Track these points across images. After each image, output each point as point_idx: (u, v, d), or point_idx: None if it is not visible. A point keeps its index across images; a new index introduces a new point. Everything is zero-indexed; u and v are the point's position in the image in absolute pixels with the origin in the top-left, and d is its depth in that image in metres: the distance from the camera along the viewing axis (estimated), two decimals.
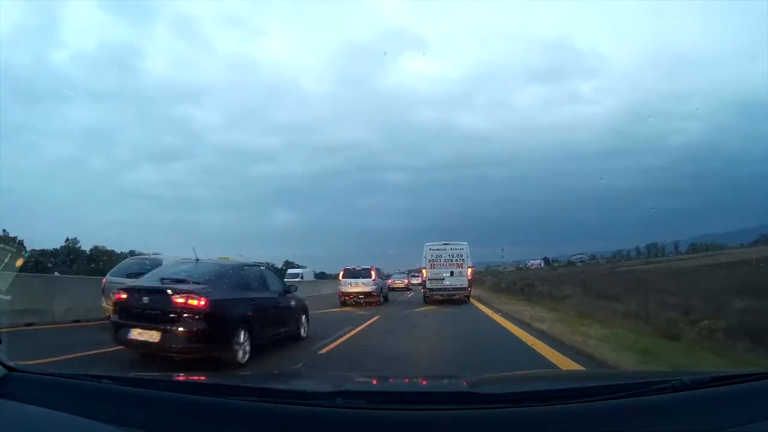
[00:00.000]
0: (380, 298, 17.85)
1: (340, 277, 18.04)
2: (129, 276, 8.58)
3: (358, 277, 17.41)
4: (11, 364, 1.57)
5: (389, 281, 35.09)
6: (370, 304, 16.82)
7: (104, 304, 8.50)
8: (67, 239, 43.38)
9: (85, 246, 44.07)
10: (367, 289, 17.18)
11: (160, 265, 8.76)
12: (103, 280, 8.84)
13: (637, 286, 16.62)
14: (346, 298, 17.24)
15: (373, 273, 17.57)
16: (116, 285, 8.30)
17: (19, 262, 3.66)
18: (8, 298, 3.18)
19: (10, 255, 2.55)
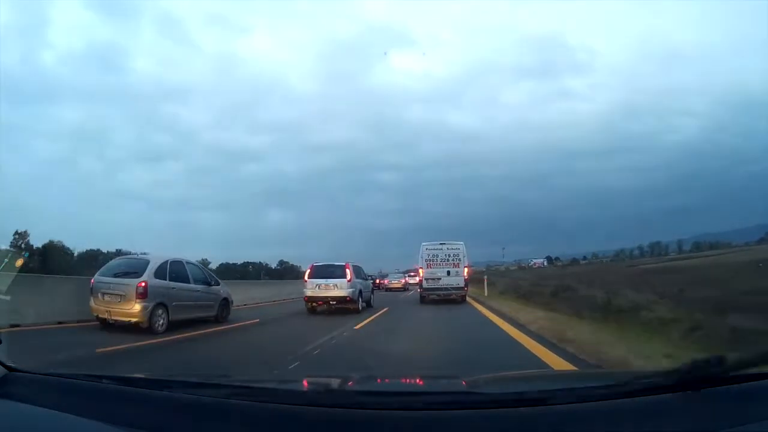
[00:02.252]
0: (358, 304, 13.97)
1: (306, 278, 14.20)
2: (116, 276, 8.72)
3: (329, 277, 13.68)
4: (11, 364, 1.58)
5: (384, 281, 33.54)
6: (347, 310, 13.47)
7: (93, 304, 8.61)
8: (16, 232, 38.15)
9: (36, 241, 40.27)
10: (341, 293, 13.48)
11: (148, 264, 8.89)
12: (92, 280, 8.90)
13: (726, 287, 11.32)
14: (314, 304, 13.83)
15: (348, 272, 13.80)
16: (105, 285, 8.53)
17: (19, 263, 3.69)
18: (8, 298, 3.20)
19: (10, 255, 2.55)
